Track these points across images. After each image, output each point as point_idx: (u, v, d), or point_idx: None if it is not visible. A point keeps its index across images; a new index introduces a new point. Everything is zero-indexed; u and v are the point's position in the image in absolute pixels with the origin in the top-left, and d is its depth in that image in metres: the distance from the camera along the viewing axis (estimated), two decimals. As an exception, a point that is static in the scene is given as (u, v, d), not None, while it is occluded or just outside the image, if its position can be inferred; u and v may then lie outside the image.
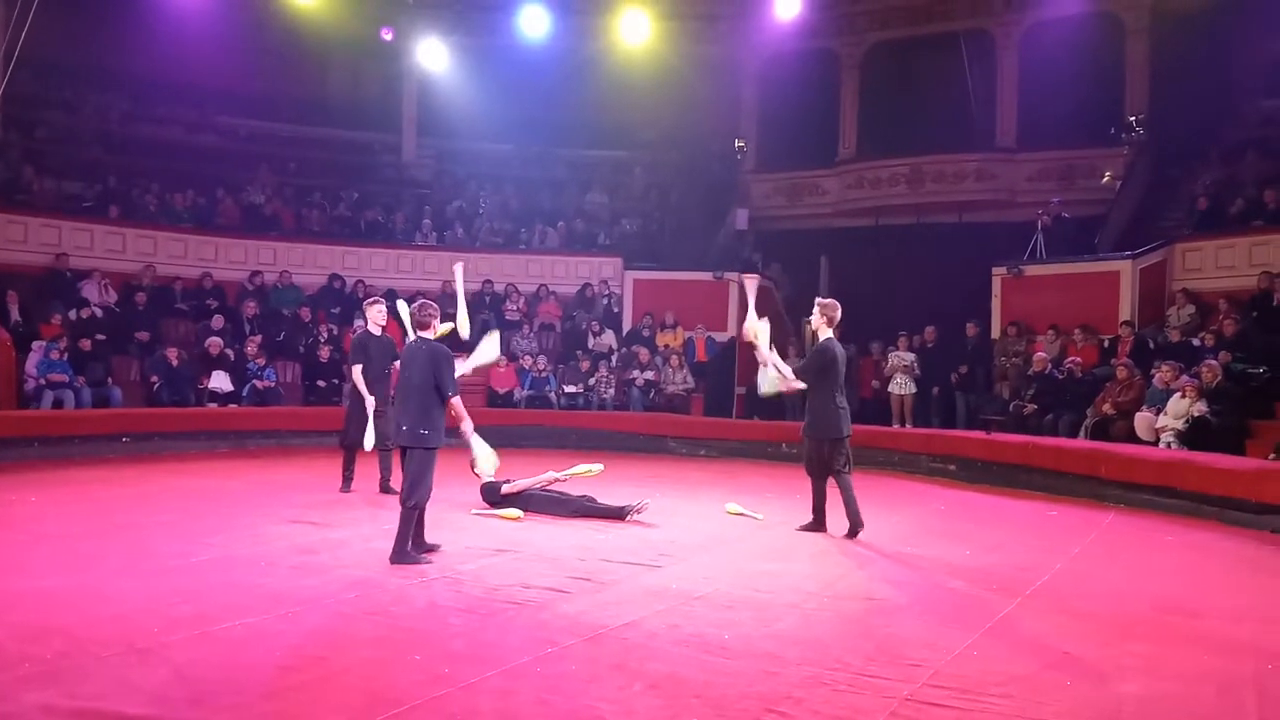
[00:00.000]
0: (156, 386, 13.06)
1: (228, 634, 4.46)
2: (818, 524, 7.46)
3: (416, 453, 5.99)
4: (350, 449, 9.09)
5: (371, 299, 9.24)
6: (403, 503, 5.98)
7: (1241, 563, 6.97)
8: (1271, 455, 9.34)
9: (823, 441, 7.34)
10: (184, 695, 3.67)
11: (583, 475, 8.49)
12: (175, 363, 13.21)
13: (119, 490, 8.97)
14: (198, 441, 12.55)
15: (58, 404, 11.93)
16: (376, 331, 8.89)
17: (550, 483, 8.28)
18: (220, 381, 13.49)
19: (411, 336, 6.30)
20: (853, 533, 7.24)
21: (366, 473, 9.35)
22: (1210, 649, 4.70)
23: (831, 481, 7.42)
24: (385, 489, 8.73)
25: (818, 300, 7.64)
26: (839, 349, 7.42)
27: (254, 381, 13.64)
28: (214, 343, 13.81)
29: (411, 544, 6.07)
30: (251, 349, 13.95)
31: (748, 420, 14.98)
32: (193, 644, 4.29)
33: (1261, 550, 7.40)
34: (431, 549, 6.28)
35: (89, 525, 7.08)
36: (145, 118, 17.80)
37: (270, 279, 16.13)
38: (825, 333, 7.44)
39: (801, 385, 7.54)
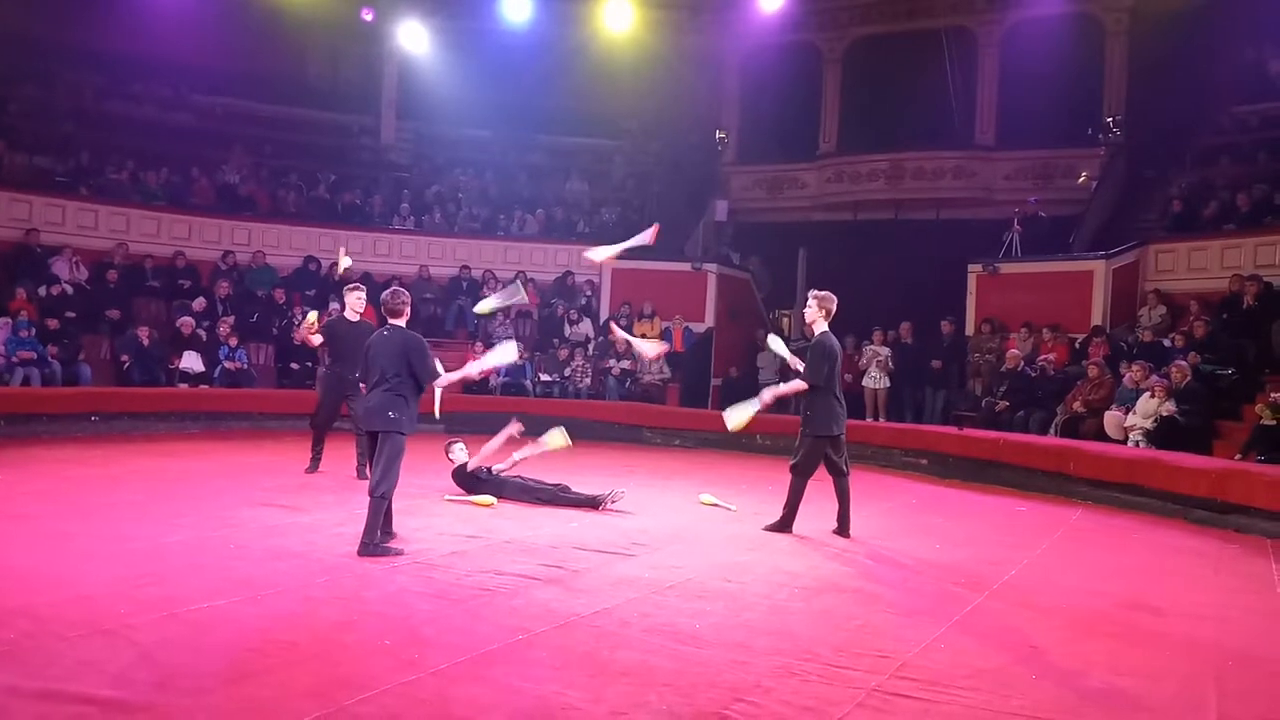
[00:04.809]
0: (127, 366, 12.91)
1: (195, 617, 4.42)
2: (786, 524, 7.22)
3: (387, 439, 5.92)
4: (319, 429, 9.17)
5: (352, 284, 9.20)
6: (371, 493, 5.90)
7: (1205, 561, 7.07)
8: (1237, 456, 9.49)
9: (824, 439, 7.10)
10: (150, 678, 3.64)
11: (553, 449, 8.36)
12: (146, 342, 13.06)
13: (87, 470, 8.86)
14: (168, 422, 12.43)
15: (26, 381, 11.76)
16: (353, 318, 8.83)
17: (521, 461, 8.24)
18: (191, 362, 13.35)
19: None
20: (842, 532, 7.17)
21: (337, 456, 9.32)
22: (1173, 646, 4.78)
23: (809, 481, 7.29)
24: (362, 475, 8.70)
25: (813, 292, 7.31)
26: (836, 343, 7.16)
27: (225, 363, 13.51)
28: (185, 323, 13.66)
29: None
30: (224, 330, 13.81)
31: (723, 411, 15.01)
32: (160, 626, 4.25)
33: (1225, 549, 7.51)
34: (391, 537, 6.19)
35: (56, 505, 7.00)
36: (119, 94, 17.52)
37: (244, 259, 15.96)
38: (821, 326, 7.16)
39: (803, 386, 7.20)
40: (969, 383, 13.75)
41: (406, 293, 6.33)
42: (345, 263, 9.45)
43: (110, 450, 10.32)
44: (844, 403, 7.23)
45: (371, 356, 6.09)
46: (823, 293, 7.28)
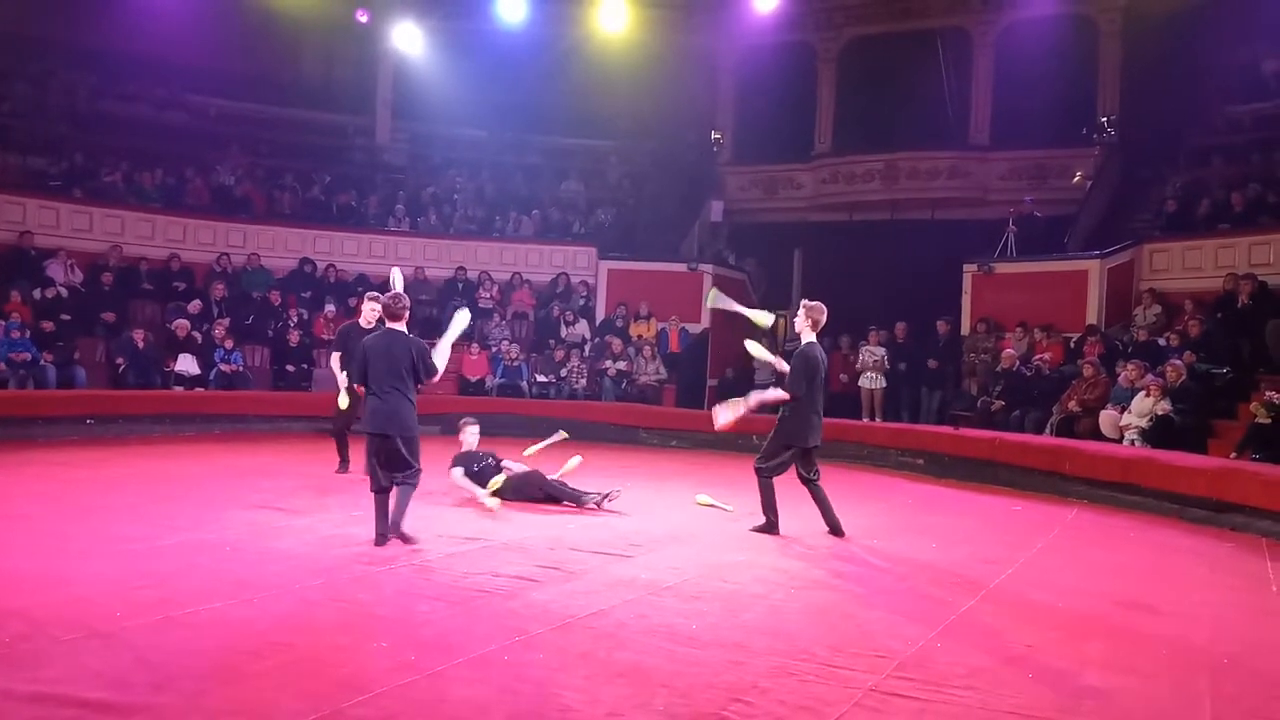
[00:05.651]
0: (122, 368, 12.88)
1: (191, 619, 4.42)
2: (772, 526, 7.19)
3: (409, 441, 6.16)
4: (339, 435, 9.35)
5: (371, 294, 9.39)
6: (408, 481, 6.20)
7: (1200, 560, 7.09)
8: (1233, 454, 9.51)
9: (794, 450, 7.11)
10: (145, 680, 3.63)
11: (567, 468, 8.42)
12: (141, 345, 13.02)
13: (82, 473, 8.84)
14: (163, 425, 12.39)
15: (20, 384, 11.73)
16: (366, 325, 8.91)
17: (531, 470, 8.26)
18: (187, 364, 13.32)
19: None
20: (837, 532, 7.15)
21: (333, 457, 9.33)
22: (1168, 645, 4.79)
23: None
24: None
25: (804, 302, 7.33)
26: (821, 354, 7.17)
27: (220, 365, 13.48)
28: (181, 325, 13.63)
29: (380, 526, 6.21)
30: (219, 332, 13.78)
31: (713, 409, 15.01)
32: (155, 629, 4.24)
33: (1220, 548, 7.53)
34: (387, 539, 6.25)
35: (51, 507, 6.98)
36: (114, 94, 17.46)
37: (239, 261, 15.93)
38: (808, 336, 7.18)
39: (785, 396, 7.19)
40: (964, 382, 13.77)
41: (406, 296, 6.47)
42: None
43: (106, 453, 10.30)
44: (821, 415, 7.19)
45: (374, 359, 6.18)
46: (813, 303, 7.28)
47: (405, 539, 6.20)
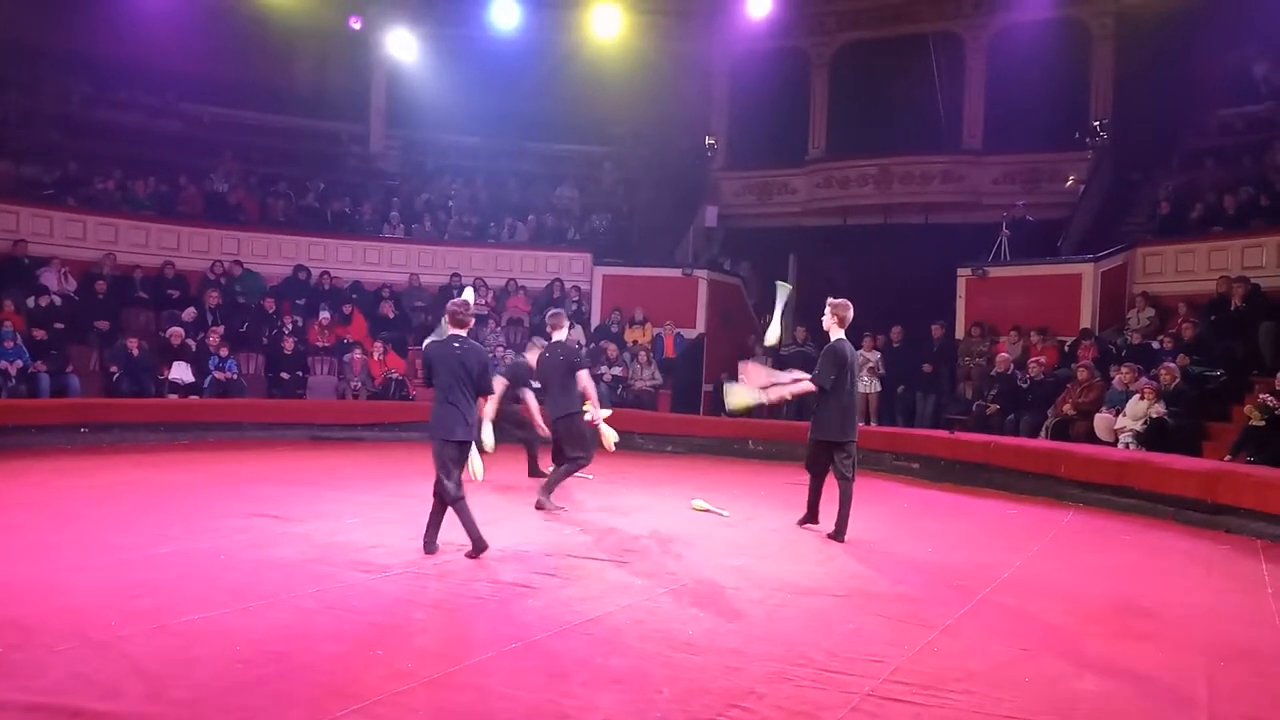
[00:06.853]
0: (116, 377, 12.83)
1: (186, 628, 4.40)
2: (811, 518, 7.59)
3: (468, 447, 6.29)
4: (530, 444, 10.08)
5: (555, 312, 9.61)
6: (455, 500, 6.11)
7: (1195, 562, 7.11)
8: (1227, 456, 9.53)
9: (828, 444, 7.30)
10: (140, 690, 3.62)
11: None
12: (135, 353, 12.99)
13: (76, 481, 8.81)
14: (157, 433, 12.34)
15: (14, 393, 11.70)
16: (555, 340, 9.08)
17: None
18: (181, 372, 13.29)
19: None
20: (836, 536, 7.21)
21: (329, 463, 9.31)
22: (1164, 647, 4.80)
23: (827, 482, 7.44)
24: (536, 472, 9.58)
25: (830, 300, 7.48)
26: (850, 350, 7.30)
27: (215, 373, 13.45)
28: (175, 333, 13.59)
29: (472, 534, 6.21)
30: (214, 340, 13.75)
31: (715, 417, 15.02)
32: (150, 637, 4.23)
33: (1215, 550, 7.54)
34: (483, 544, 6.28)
35: (45, 516, 6.96)
36: (107, 102, 17.42)
37: (234, 269, 15.88)
38: (836, 333, 7.32)
39: (810, 389, 7.34)
40: (959, 386, 13.79)
41: (470, 304, 6.54)
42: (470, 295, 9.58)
43: (100, 461, 10.27)
44: (854, 410, 7.39)
45: (447, 366, 6.16)
46: (838, 300, 7.46)
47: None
